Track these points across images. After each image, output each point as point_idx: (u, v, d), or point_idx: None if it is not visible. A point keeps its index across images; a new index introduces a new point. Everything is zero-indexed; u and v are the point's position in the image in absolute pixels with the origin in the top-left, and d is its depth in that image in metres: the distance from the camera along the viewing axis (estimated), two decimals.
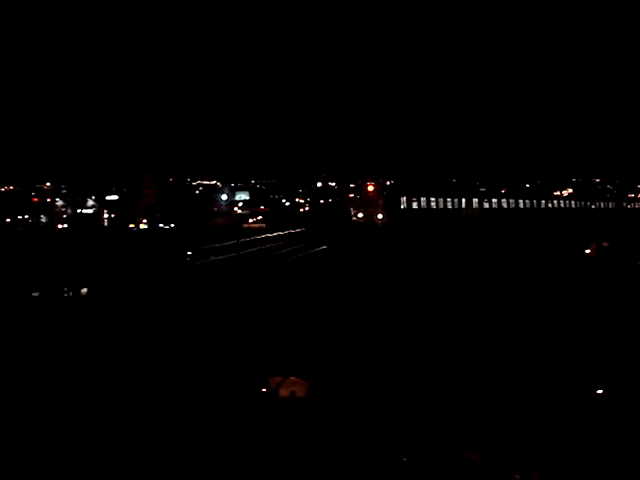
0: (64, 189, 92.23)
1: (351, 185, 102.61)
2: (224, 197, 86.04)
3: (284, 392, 11.03)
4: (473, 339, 14.19)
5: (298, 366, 12.16)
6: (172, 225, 68.86)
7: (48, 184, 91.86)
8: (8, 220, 78.61)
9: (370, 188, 78.75)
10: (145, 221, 67.23)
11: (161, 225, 69.13)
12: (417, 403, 10.40)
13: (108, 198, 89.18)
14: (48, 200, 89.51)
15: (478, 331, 14.90)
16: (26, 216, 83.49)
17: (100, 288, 24.39)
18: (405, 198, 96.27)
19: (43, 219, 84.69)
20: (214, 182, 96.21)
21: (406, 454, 8.39)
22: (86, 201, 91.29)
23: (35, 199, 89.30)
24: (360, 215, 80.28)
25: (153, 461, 7.96)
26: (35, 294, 23.73)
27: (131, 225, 68.70)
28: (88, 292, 25.17)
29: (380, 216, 74.33)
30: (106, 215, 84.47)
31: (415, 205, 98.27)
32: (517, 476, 8.06)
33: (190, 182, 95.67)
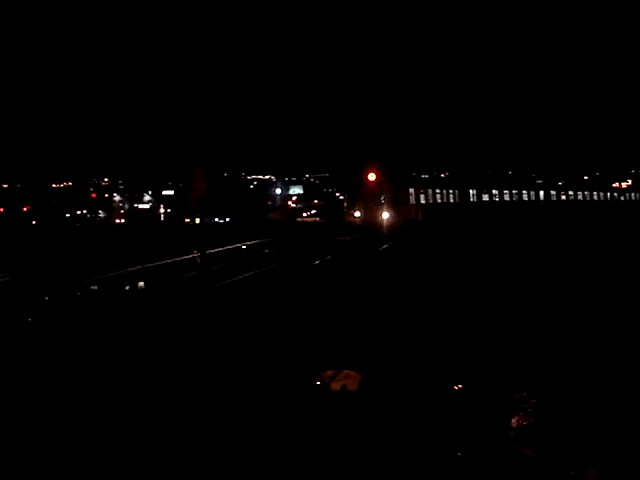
0: (121, 184, 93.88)
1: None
2: (278, 191, 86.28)
3: (336, 385, 10.98)
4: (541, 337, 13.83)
5: (355, 358, 12.11)
6: (227, 219, 69.51)
7: (106, 180, 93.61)
8: (67, 215, 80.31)
9: (371, 176, 44.74)
10: (200, 216, 67.98)
11: (216, 219, 69.86)
12: (472, 397, 10.26)
13: (164, 193, 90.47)
14: (106, 195, 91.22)
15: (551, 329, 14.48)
16: (84, 211, 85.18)
17: (157, 282, 24.63)
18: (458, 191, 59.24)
19: (101, 214, 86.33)
20: (268, 176, 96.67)
21: (461, 449, 8.29)
22: (143, 196, 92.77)
23: (93, 195, 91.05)
24: (357, 214, 44.85)
25: (208, 450, 8.01)
26: (94, 287, 24.04)
27: (187, 220, 69.53)
28: (145, 286, 25.42)
29: (386, 215, 42.64)
30: (162, 210, 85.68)
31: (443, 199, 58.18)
32: (572, 473, 7.92)
33: (245, 176, 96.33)
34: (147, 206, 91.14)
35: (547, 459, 8.08)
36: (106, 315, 17.85)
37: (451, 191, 53.72)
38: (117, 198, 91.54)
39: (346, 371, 11.30)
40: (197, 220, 66.75)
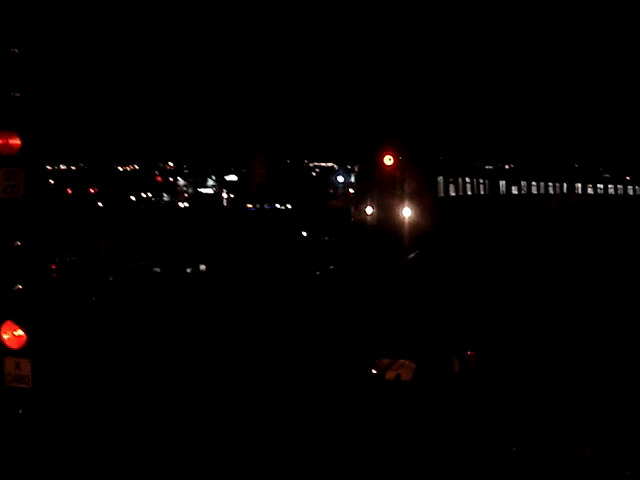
0: (186, 169, 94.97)
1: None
2: (340, 179, 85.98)
3: (390, 375, 10.99)
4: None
5: (412, 348, 12.09)
6: (288, 206, 69.88)
7: (171, 164, 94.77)
8: (132, 198, 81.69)
9: (387, 160, 31.88)
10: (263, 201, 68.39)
11: (277, 205, 70.26)
12: (527, 391, 10.17)
13: (227, 178, 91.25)
14: (170, 179, 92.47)
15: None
16: (149, 194, 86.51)
17: (218, 265, 24.95)
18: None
19: (165, 198, 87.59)
20: (331, 164, 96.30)
21: (516, 444, 8.24)
22: (206, 181, 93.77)
23: (158, 178, 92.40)
24: (369, 211, 33.04)
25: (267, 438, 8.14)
26: (157, 269, 24.48)
27: (249, 205, 70.07)
28: (206, 269, 25.77)
29: (407, 213, 31.38)
30: (225, 195, 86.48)
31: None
32: (629, 472, 7.81)
33: (307, 164, 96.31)
34: (210, 191, 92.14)
35: (603, 457, 7.99)
36: (164, 296, 18.18)
37: (481, 181, 42.69)
38: (181, 182, 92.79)
39: (402, 360, 11.29)
40: (259, 205, 67.26)
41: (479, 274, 19.42)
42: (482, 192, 42.65)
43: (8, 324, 6.52)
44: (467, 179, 39.62)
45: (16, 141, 6.53)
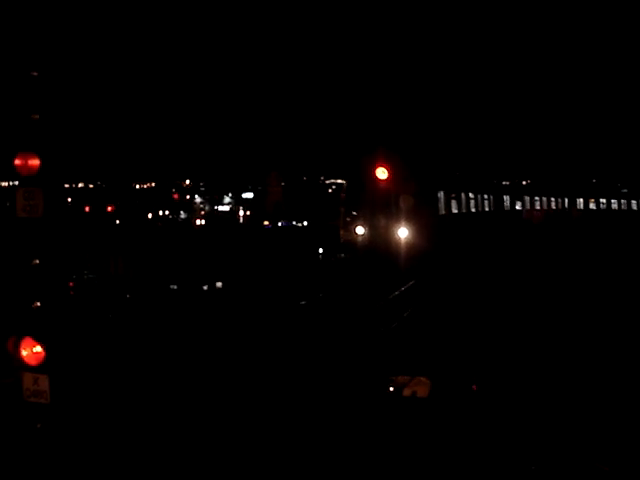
0: (202, 186, 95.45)
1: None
2: None
3: (407, 392, 11.05)
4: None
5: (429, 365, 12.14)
6: (305, 223, 70.01)
7: (187, 182, 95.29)
8: (150, 215, 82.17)
9: (381, 173, 25.80)
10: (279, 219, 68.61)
11: (294, 223, 70.39)
12: (546, 408, 10.18)
13: (244, 196, 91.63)
14: (187, 197, 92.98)
15: None
16: (166, 212, 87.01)
17: (234, 282, 25.10)
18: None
19: (182, 215, 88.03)
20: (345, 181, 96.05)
21: (534, 462, 8.26)
22: (223, 198, 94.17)
23: (175, 196, 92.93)
24: (359, 231, 28.21)
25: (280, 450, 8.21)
26: (173, 287, 24.68)
27: (265, 222, 70.22)
28: (223, 286, 25.91)
29: (404, 233, 25.74)
30: (242, 212, 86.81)
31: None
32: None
33: (323, 180, 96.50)
34: (227, 208, 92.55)
35: (620, 473, 8.00)
36: (181, 311, 18.29)
37: (485, 197, 38.91)
38: (198, 200, 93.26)
39: (418, 377, 11.33)
40: (278, 223, 67.41)
41: (485, 309, 17.23)
42: (488, 209, 39.27)
43: (27, 341, 6.65)
44: (471, 194, 36.17)
45: (35, 162, 6.69)
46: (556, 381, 11.49)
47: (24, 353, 6.65)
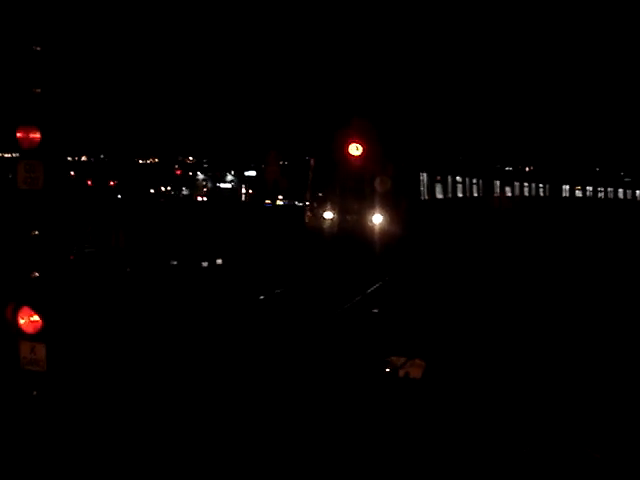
0: (206, 163, 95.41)
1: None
2: None
3: (402, 373, 11.18)
4: None
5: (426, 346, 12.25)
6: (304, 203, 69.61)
7: (191, 158, 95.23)
8: (152, 191, 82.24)
9: (354, 149, 22.18)
10: (281, 197, 68.59)
11: (296, 202, 70.45)
12: (539, 393, 10.29)
13: (247, 174, 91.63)
14: (190, 173, 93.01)
15: None
16: (169, 188, 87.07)
17: (235, 259, 25.20)
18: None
19: (184, 191, 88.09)
20: None
21: (526, 446, 8.38)
22: (225, 175, 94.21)
23: (178, 172, 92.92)
24: (328, 216, 23.50)
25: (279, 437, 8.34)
26: (174, 262, 24.82)
27: (267, 201, 70.16)
28: (223, 263, 26.04)
29: (378, 219, 22.75)
30: (244, 190, 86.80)
31: None
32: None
33: None
34: (229, 185, 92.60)
35: (613, 460, 8.10)
36: (178, 286, 18.42)
37: (474, 181, 35.10)
38: (201, 176, 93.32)
39: (415, 359, 11.45)
40: (278, 202, 67.43)
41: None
42: (477, 194, 36.08)
43: (25, 310, 6.81)
44: (459, 178, 32.39)
45: (36, 135, 6.82)
46: (550, 366, 11.62)
47: (22, 321, 6.81)
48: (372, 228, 22.71)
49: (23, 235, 6.81)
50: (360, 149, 22.57)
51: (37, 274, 6.79)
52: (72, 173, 75.75)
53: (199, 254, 26.05)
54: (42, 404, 6.83)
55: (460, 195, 33.05)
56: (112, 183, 79.04)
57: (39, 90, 6.81)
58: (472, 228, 30.12)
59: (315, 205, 24.57)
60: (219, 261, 26.11)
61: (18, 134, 6.82)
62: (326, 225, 23.64)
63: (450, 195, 31.17)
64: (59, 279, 7.09)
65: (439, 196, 29.42)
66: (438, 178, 29.37)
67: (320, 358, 11.66)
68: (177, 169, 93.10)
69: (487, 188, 37.99)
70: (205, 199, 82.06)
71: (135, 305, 15.21)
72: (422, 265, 21.04)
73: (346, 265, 20.17)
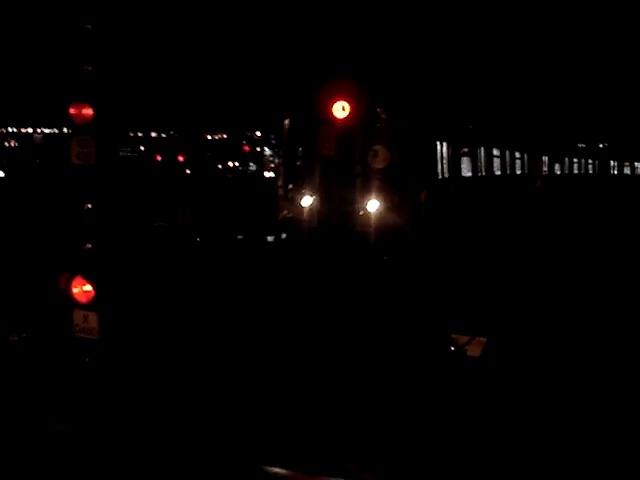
0: (273, 139, 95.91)
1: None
2: None
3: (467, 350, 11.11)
4: None
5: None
6: None
7: (258, 134, 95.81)
8: (219, 166, 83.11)
9: (338, 110, 15.08)
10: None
11: None
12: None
13: None
14: (257, 149, 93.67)
15: None
16: (236, 164, 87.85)
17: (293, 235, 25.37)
18: None
19: (252, 167, 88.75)
20: None
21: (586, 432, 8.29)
22: None
23: (246, 147, 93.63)
24: (305, 202, 16.80)
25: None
26: (240, 237, 25.15)
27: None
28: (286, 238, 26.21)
29: (374, 207, 15.95)
30: None
31: None
32: None
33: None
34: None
35: None
36: (246, 260, 18.67)
37: (518, 155, 28.48)
38: (268, 152, 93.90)
39: (478, 338, 11.39)
40: None
41: None
42: (521, 172, 29.37)
43: (78, 279, 7.10)
44: (482, 150, 23.77)
45: (88, 111, 7.06)
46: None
47: (75, 291, 7.10)
48: (367, 220, 16.27)
49: (76, 208, 7.08)
50: (347, 109, 15.71)
51: (89, 246, 7.05)
52: (142, 148, 77.19)
53: (265, 229, 26.32)
54: (94, 371, 7.12)
55: (498, 173, 25.56)
56: (181, 158, 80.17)
57: (90, 67, 7.03)
58: (519, 217, 24.20)
59: (287, 189, 18.31)
60: (283, 235, 26.31)
61: (71, 110, 7.07)
62: (303, 215, 17.17)
63: (484, 173, 23.59)
64: (112, 251, 7.35)
65: (467, 174, 21.91)
66: (464, 150, 21.70)
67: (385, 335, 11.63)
68: (245, 145, 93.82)
69: (533, 165, 31.16)
70: (272, 175, 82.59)
71: (197, 279, 15.49)
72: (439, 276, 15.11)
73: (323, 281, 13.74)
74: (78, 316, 7.11)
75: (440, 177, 19.64)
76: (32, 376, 8.58)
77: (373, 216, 16.56)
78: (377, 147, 16.41)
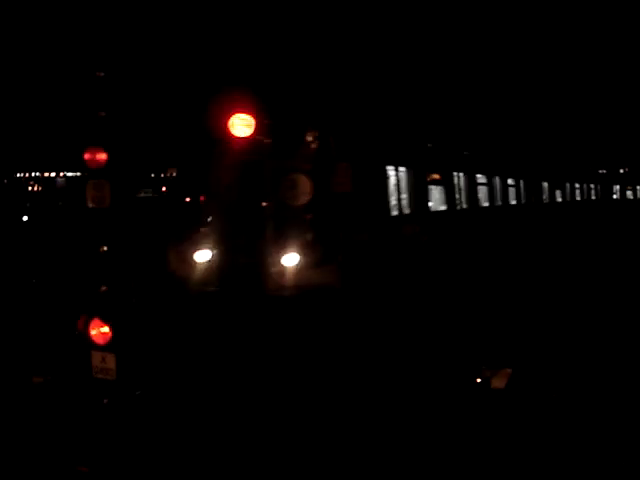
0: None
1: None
2: None
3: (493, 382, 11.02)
4: None
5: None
6: None
7: None
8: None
9: (240, 127, 9.02)
10: None
11: None
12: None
13: None
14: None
15: None
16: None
17: None
18: None
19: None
20: None
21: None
22: None
23: None
24: (199, 258, 10.90)
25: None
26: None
27: None
28: None
29: (292, 261, 10.55)
30: None
31: None
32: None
33: None
34: None
35: None
36: None
37: (511, 182, 23.61)
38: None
39: (505, 369, 11.29)
40: None
41: None
42: (519, 203, 24.79)
43: (95, 321, 7.20)
44: (463, 176, 18.96)
45: (102, 156, 7.22)
46: None
47: (93, 333, 7.20)
48: (280, 281, 11.41)
49: (92, 251, 7.20)
50: (252, 125, 10.31)
51: (105, 288, 7.17)
52: (164, 189, 77.79)
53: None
54: (112, 411, 7.19)
55: (486, 205, 20.29)
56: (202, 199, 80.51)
57: (104, 113, 7.21)
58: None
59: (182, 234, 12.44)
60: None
61: (85, 155, 7.23)
62: (195, 271, 11.65)
63: (465, 206, 18.59)
64: (128, 293, 7.46)
65: (439, 207, 17.16)
66: (435, 178, 16.93)
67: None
68: None
69: (534, 193, 26.43)
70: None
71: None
72: None
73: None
74: (96, 358, 7.20)
75: (397, 213, 14.64)
76: (55, 417, 8.66)
77: (289, 277, 11.34)
78: (295, 176, 11.34)
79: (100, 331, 7.22)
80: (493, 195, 21.64)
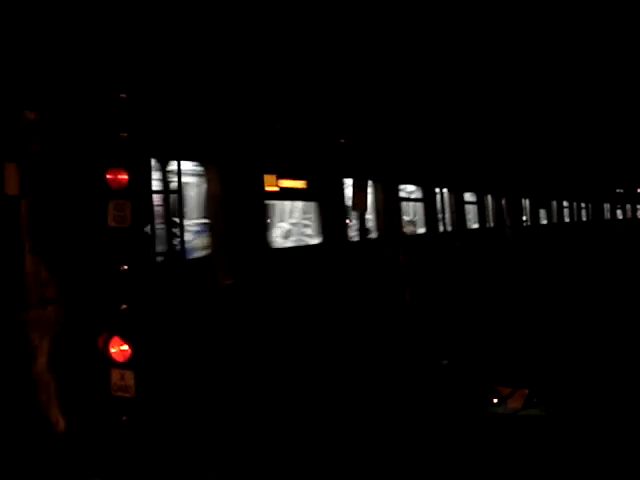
0: None
1: None
2: None
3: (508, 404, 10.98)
4: None
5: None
6: None
7: None
8: None
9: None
10: None
11: None
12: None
13: None
14: None
15: None
16: None
17: None
18: None
19: None
20: None
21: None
22: None
23: None
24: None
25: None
26: None
27: None
28: None
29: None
30: None
31: None
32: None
33: None
34: None
35: None
36: None
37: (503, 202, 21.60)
38: None
39: (522, 389, 11.25)
40: None
41: None
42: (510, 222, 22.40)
43: (115, 339, 7.30)
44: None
45: (124, 176, 7.35)
46: None
47: (112, 351, 7.29)
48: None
49: (113, 270, 7.31)
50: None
51: (125, 306, 7.27)
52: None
53: None
54: (131, 429, 7.25)
55: (449, 229, 17.17)
56: None
57: (125, 134, 7.34)
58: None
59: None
60: None
61: (108, 176, 7.37)
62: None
63: (426, 229, 15.82)
64: (147, 311, 7.55)
65: (418, 229, 15.04)
66: (392, 198, 14.14)
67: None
68: None
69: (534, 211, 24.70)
70: None
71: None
72: None
73: None
74: (116, 375, 7.29)
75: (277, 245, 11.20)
76: (75, 436, 8.70)
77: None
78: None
79: (120, 349, 7.32)
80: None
